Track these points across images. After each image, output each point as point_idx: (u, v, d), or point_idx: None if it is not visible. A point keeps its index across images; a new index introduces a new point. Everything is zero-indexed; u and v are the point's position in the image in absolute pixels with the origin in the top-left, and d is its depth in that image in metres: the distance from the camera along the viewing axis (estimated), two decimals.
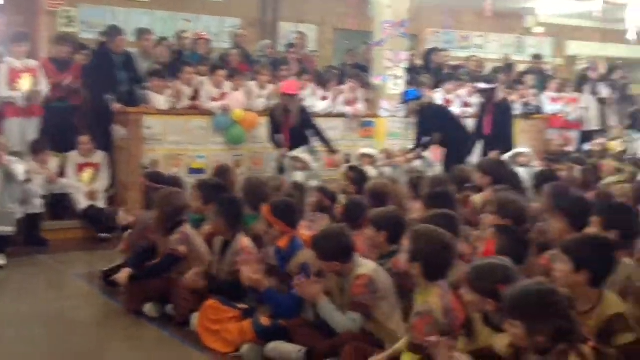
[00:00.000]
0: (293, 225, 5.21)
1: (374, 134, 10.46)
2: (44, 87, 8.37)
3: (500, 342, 3.34)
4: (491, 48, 15.42)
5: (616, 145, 11.55)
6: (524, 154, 9.79)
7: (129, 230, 6.59)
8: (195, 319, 5.08)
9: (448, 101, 11.15)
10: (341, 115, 10.22)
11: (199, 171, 8.96)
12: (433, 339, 3.42)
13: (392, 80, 10.50)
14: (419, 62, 12.25)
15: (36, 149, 8.19)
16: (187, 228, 5.72)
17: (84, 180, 8.49)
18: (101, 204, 8.44)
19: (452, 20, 14.03)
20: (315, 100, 10.11)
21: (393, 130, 10.51)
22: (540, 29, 15.65)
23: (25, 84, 8.20)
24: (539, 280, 3.35)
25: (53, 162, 8.33)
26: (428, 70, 11.88)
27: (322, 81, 10.48)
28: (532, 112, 11.92)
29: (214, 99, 9.27)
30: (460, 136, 9.41)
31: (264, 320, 4.68)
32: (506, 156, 9.12)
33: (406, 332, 3.86)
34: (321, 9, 13.15)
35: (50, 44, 9.49)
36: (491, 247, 4.16)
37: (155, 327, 5.30)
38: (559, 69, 14.20)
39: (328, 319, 4.42)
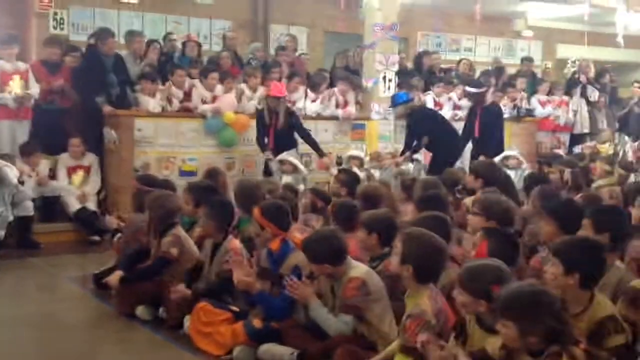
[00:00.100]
0: (284, 227, 5.19)
1: (365, 136, 10.48)
2: (35, 90, 8.35)
3: (493, 345, 3.35)
4: (481, 51, 15.47)
5: (607, 149, 11.60)
6: (514, 156, 9.83)
7: (119, 234, 6.58)
8: (187, 321, 5.07)
9: (439, 104, 11.18)
10: (332, 117, 10.24)
11: (190, 174, 8.95)
12: (424, 337, 3.44)
13: (382, 83, 10.53)
14: (409, 65, 12.28)
15: (26, 152, 8.19)
16: (179, 230, 5.72)
17: (75, 183, 8.48)
18: (92, 206, 8.42)
19: (442, 24, 14.04)
20: (306, 103, 10.11)
21: (384, 132, 10.53)
22: (530, 33, 15.74)
23: (15, 86, 8.18)
24: (531, 282, 3.36)
25: (44, 164, 8.32)
26: (419, 73, 11.91)
27: (312, 84, 10.49)
28: (524, 115, 11.97)
29: (205, 102, 9.27)
30: (449, 139, 9.43)
31: (256, 323, 4.67)
32: (496, 159, 9.15)
33: (398, 334, 3.88)
34: (312, 12, 13.14)
35: (41, 46, 9.46)
36: (483, 249, 4.16)
37: (148, 330, 5.28)
38: (548, 72, 14.24)
39: (320, 321, 4.41)
